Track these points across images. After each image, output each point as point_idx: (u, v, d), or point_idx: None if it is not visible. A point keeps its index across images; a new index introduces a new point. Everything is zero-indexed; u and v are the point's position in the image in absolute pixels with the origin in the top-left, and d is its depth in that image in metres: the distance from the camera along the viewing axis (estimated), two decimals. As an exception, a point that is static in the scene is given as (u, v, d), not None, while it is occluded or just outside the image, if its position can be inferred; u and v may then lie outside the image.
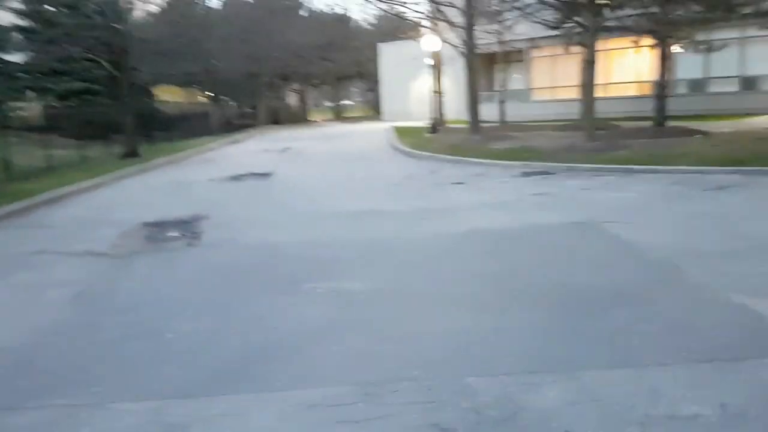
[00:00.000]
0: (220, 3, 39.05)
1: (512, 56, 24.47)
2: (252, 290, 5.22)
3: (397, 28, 36.37)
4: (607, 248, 6.07)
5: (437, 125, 20.78)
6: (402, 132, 22.63)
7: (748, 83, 22.32)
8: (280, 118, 42.98)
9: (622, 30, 16.37)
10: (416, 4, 23.56)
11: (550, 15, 18.11)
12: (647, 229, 6.72)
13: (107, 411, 3.22)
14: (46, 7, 21.29)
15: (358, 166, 14.08)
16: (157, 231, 7.87)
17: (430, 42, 19.93)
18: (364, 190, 10.43)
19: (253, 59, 33.71)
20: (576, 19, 15.25)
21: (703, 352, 3.58)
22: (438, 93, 23.75)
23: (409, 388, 3.28)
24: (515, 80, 25.92)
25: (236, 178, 12.75)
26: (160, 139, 24.91)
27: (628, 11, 15.75)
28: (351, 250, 6.50)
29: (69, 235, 7.92)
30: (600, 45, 20.99)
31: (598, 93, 20.80)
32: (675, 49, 17.62)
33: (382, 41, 39.85)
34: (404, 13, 23.82)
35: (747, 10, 14.76)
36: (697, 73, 23.12)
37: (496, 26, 20.72)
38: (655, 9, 15.34)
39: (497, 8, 19.51)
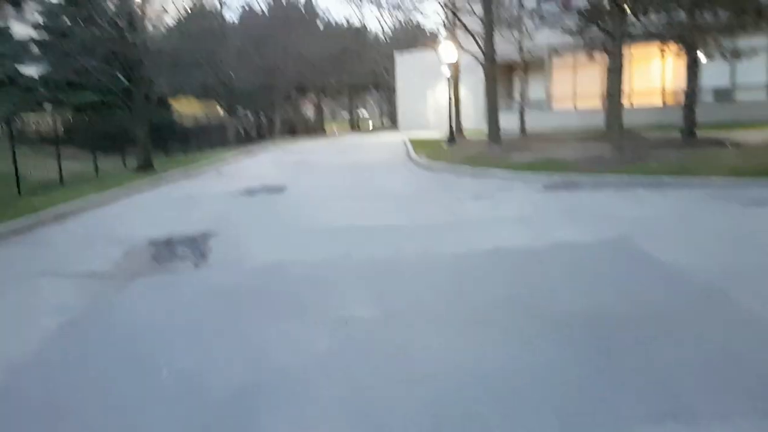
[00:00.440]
0: (236, 15, 39.08)
1: (532, 65, 23.99)
2: (256, 318, 4.81)
3: (413, 37, 36.10)
4: (642, 270, 5.57)
5: (455, 136, 20.32)
6: (418, 143, 22.23)
7: (777, 91, 21.63)
8: (296, 129, 42.87)
9: (648, 37, 15.83)
10: (433, 12, 23.17)
11: (571, 22, 17.66)
12: (685, 248, 6.21)
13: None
14: (63, 18, 21.28)
15: (374, 178, 13.68)
16: (163, 249, 7.51)
17: (447, 51, 19.55)
18: (378, 205, 10.02)
19: (268, 71, 33.65)
20: (600, 26, 14.73)
21: (770, 402, 3.09)
22: (455, 103, 23.30)
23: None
24: (535, 89, 25.40)
25: (249, 191, 12.41)
26: (177, 150, 24.83)
27: (653, 17, 15.20)
28: (364, 270, 6.08)
29: (72, 255, 7.59)
30: (620, 54, 20.48)
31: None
32: (701, 56, 17.02)
33: (399, 51, 39.62)
34: (421, 23, 23.44)
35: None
36: (723, 82, 22.47)
37: (515, 34, 20.27)
38: (681, 15, 14.79)
39: (517, 15, 19.06)
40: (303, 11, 40.60)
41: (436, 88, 36.78)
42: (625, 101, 21.23)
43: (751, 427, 2.88)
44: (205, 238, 8.02)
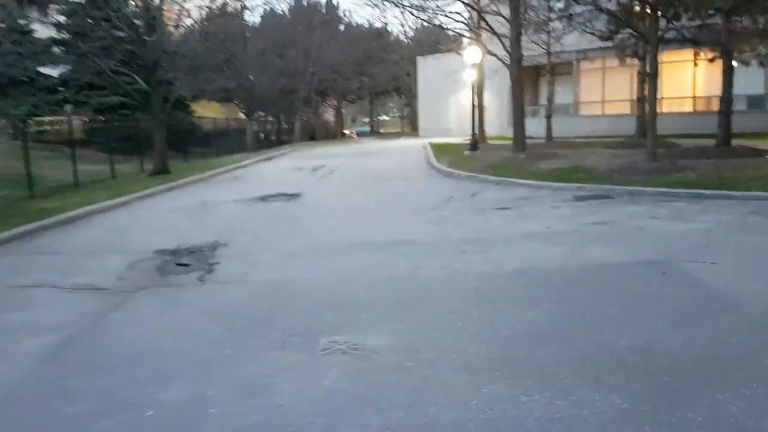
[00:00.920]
0: (258, 17, 38.91)
1: (559, 69, 23.30)
2: (260, 346, 4.32)
3: (436, 41, 35.57)
4: (693, 298, 4.96)
5: (478, 142, 19.73)
6: (440, 149, 21.66)
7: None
8: (317, 134, 42.57)
9: (682, 42, 15.10)
10: (458, 14, 22.58)
11: (602, 25, 16.99)
12: (737, 271, 5.60)
13: None
14: (86, 19, 21.16)
15: (393, 186, 13.17)
16: (169, 261, 7.08)
17: (472, 54, 18.98)
18: (397, 216, 9.50)
19: (289, 74, 33.36)
20: (633, 29, 14.06)
21: None
22: (479, 108, 22.70)
23: None
24: (562, 94, 24.68)
25: (264, 198, 11.98)
26: (196, 155, 24.62)
27: (687, 22, 14.47)
28: (379, 291, 5.57)
29: (73, 264, 7.20)
30: (652, 59, 19.73)
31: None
32: (735, 62, 16.23)
33: (421, 55, 39.11)
34: (445, 24, 22.94)
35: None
36: (756, 89, 21.56)
37: (543, 37, 19.64)
38: (717, 20, 14.05)
39: (545, 17, 18.43)
40: (325, 14, 40.30)
41: (458, 93, 36.16)
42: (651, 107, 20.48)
43: None
44: (214, 248, 7.59)
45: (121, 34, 18.83)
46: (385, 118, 63.66)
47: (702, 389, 3.35)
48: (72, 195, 12.79)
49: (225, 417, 3.29)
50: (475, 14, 19.92)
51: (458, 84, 34.18)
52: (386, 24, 67.96)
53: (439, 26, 23.55)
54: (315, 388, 3.59)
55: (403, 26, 62.96)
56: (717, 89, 21.99)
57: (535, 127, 21.31)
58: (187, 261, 7.04)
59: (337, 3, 43.32)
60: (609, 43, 19.07)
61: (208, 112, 33.58)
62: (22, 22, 25.55)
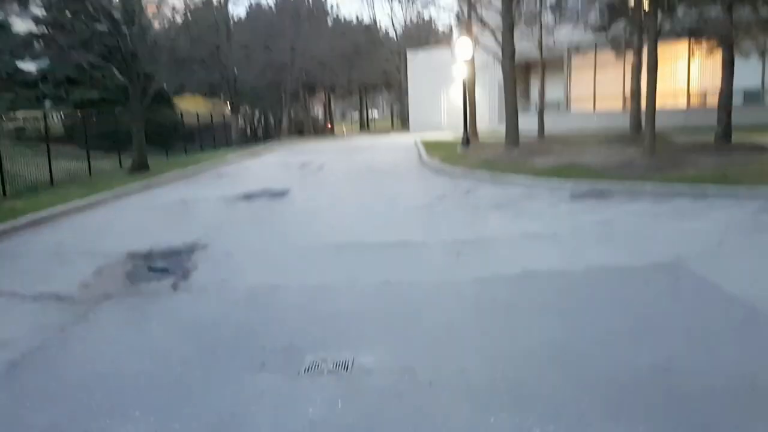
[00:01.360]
0: (243, 9, 38.11)
1: (550, 64, 22.87)
2: (236, 366, 3.84)
3: (426, 35, 35.09)
4: (711, 307, 4.55)
5: (470, 138, 19.29)
6: (431, 145, 21.20)
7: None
8: (305, 129, 41.94)
9: (680, 33, 14.72)
10: (448, 7, 22.10)
11: (595, 16, 16.59)
12: (755, 275, 5.19)
13: None
14: (64, 11, 20.42)
15: (383, 184, 12.69)
16: (142, 266, 6.57)
17: (462, 47, 18.52)
18: (388, 215, 9.03)
19: (276, 68, 32.69)
20: (629, 20, 13.65)
21: None
22: (471, 103, 22.24)
23: None
24: (552, 90, 24.28)
25: (248, 196, 11.46)
26: (179, 150, 23.95)
27: (685, 13, 14.07)
28: (369, 299, 5.11)
29: (38, 270, 6.66)
30: (647, 52, 19.37)
31: (644, 104, 19.18)
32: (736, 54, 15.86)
33: (411, 49, 38.59)
34: (434, 17, 22.40)
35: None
36: (753, 82, 21.29)
37: (534, 30, 19.21)
38: (716, 11, 13.66)
39: (537, 10, 18.00)
40: (311, 6, 39.62)
41: (449, 88, 35.73)
42: (645, 103, 20.13)
43: None
44: (192, 251, 7.08)
45: (101, 27, 18.15)
46: (376, 113, 63.08)
47: (738, 419, 2.93)
48: (46, 194, 12.19)
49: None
50: (465, 5, 19.41)
51: (448, 79, 33.74)
52: (374, 19, 67.46)
53: (429, 20, 22.96)
54: (297, 420, 3.12)
55: (392, 20, 62.51)
56: (712, 84, 21.78)
57: (526, 123, 20.85)
58: (161, 265, 6.53)
59: (325, -3, 42.66)
60: (602, 36, 18.70)
61: (192, 106, 32.85)
62: (-2, 16, 24.72)
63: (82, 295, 5.62)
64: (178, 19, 19.35)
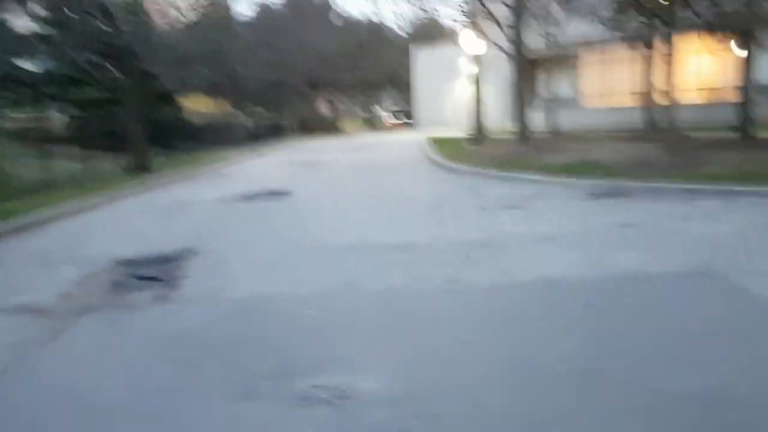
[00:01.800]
0: (248, 7, 37.61)
1: (561, 59, 22.29)
2: (221, 394, 3.37)
3: (431, 32, 34.57)
4: (756, 321, 4.04)
5: (478, 135, 18.76)
6: (438, 142, 20.69)
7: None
8: (310, 127, 41.50)
9: (701, 27, 14.11)
10: (454, 2, 21.52)
11: (608, 11, 16.03)
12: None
13: None
14: (65, 10, 20.05)
15: (389, 182, 12.21)
16: (129, 274, 6.12)
17: (470, 43, 18.01)
18: (394, 215, 8.55)
19: (281, 66, 32.24)
20: (646, 14, 13.08)
21: None
22: (478, 99, 21.70)
23: None
24: (564, 85, 23.68)
25: (248, 197, 11.01)
26: (183, 150, 23.57)
27: (703, 6, 13.45)
28: (372, 310, 4.64)
29: (19, 279, 6.24)
30: (663, 46, 18.77)
31: (661, 100, 18.59)
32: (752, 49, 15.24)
33: (416, 46, 38.06)
34: (442, 13, 21.88)
35: None
36: (768, 76, 20.60)
37: (544, 25, 18.64)
38: (737, 3, 13.03)
39: (546, 3, 17.42)
40: (317, 4, 39.12)
41: (455, 84, 35.20)
42: (665, 98, 19.53)
43: None
44: (184, 257, 6.63)
45: (100, 24, 17.77)
46: (382, 110, 62.47)
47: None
48: (40, 196, 11.77)
49: None
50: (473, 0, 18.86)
51: (455, 75, 33.24)
52: (380, 14, 66.84)
53: (434, 16, 22.44)
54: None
55: (397, 17, 61.93)
56: (729, 79, 21.14)
57: (536, 119, 20.36)
58: (149, 273, 6.08)
59: (331, -5, 42.16)
60: (614, 31, 18.12)
61: (198, 106, 32.49)
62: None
63: (61, 307, 5.18)
64: (182, 18, 18.89)
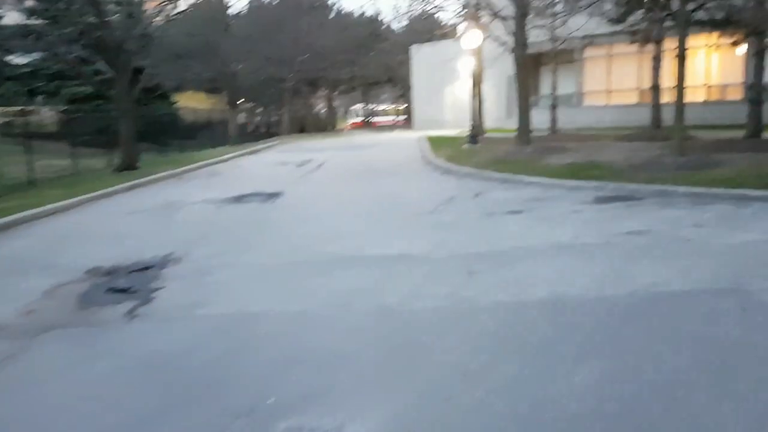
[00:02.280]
0: (243, 2, 36.90)
1: (562, 57, 21.79)
2: (183, 439, 2.89)
3: (430, 29, 34.02)
4: (800, 351, 3.56)
5: (477, 135, 18.27)
6: (436, 142, 20.19)
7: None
8: (306, 126, 40.95)
9: (708, 23, 13.63)
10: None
11: (612, 6, 15.54)
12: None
13: None
14: (54, 4, 19.48)
15: (385, 184, 11.71)
16: (102, 284, 5.63)
17: (471, 38, 17.50)
18: (390, 221, 8.07)
19: (277, 63, 31.64)
20: (651, 9, 12.60)
21: None
22: (478, 97, 21.19)
23: None
24: (564, 83, 23.17)
25: (238, 199, 10.51)
26: (176, 148, 23.06)
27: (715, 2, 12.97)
28: (366, 333, 4.16)
29: (-19, 289, 5.73)
30: (667, 43, 18.29)
31: (664, 98, 18.15)
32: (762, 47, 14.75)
33: (415, 43, 37.50)
34: (441, 6, 21.28)
35: None
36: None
37: (546, 21, 18.14)
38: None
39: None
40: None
41: (454, 83, 34.67)
42: (667, 97, 19.07)
43: None
44: (164, 265, 6.14)
45: (91, 19, 17.21)
46: (379, 109, 61.90)
47: None
48: (22, 195, 11.28)
49: None
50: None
51: (454, 74, 32.72)
52: (378, 12, 66.21)
53: (433, 12, 21.90)
54: None
55: (395, 13, 61.24)
56: (732, 77, 20.72)
57: (537, 118, 19.83)
58: (124, 284, 5.59)
59: (327, -11, 41.48)
60: (618, 27, 17.65)
61: (193, 102, 31.92)
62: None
63: (23, 323, 4.70)
64: (174, 11, 18.32)
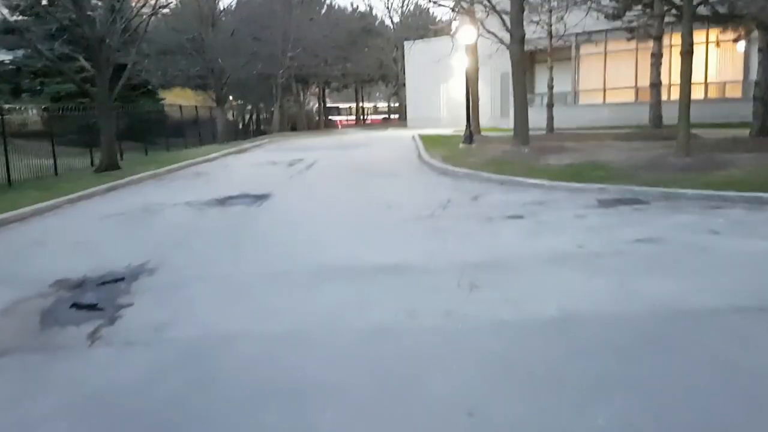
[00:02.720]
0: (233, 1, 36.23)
1: (557, 54, 21.34)
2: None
3: (425, 25, 33.52)
4: None
5: (473, 133, 17.80)
6: (431, 141, 19.70)
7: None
8: (298, 123, 40.37)
9: (709, 19, 13.23)
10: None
11: (609, 2, 15.12)
12: None
13: None
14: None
15: (378, 186, 11.23)
16: (66, 300, 5.12)
17: (466, 33, 17.02)
18: (383, 226, 7.59)
19: (266, 59, 31.02)
20: (649, 5, 12.17)
21: None
22: (473, 95, 20.71)
23: None
24: (560, 81, 22.74)
25: (222, 201, 10.00)
26: (162, 146, 22.50)
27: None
28: (354, 359, 3.69)
29: (-68, 306, 5.19)
30: (667, 39, 17.92)
31: (664, 96, 17.77)
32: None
33: (408, 40, 36.96)
34: (435, 1, 20.82)
35: None
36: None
37: (543, 16, 17.70)
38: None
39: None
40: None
41: (448, 81, 34.23)
42: (665, 94, 18.71)
43: None
44: (135, 277, 5.64)
45: (73, 15, 16.61)
46: (372, 107, 61.41)
47: None
48: (-3, 197, 10.71)
49: None
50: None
51: (448, 71, 32.26)
52: (370, 7, 65.65)
53: (427, 9, 21.39)
54: None
55: (388, 8, 60.70)
56: (732, 74, 20.36)
57: (532, 117, 19.41)
58: (91, 299, 5.09)
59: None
60: (615, 23, 17.26)
61: (180, 99, 31.27)
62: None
63: (-32, 348, 4.18)
64: (158, 5, 17.73)
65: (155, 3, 18.15)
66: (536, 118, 20.21)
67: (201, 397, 3.29)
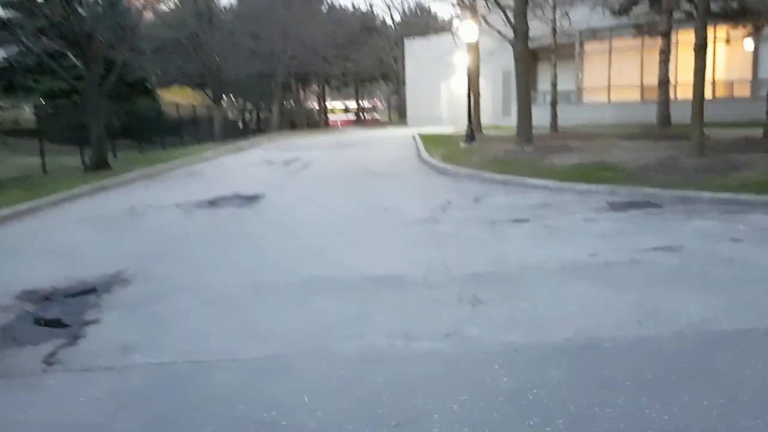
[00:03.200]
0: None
1: (561, 52, 20.84)
2: None
3: (425, 22, 33.07)
4: None
5: (474, 132, 17.32)
6: (431, 140, 19.22)
7: None
8: (297, 122, 39.88)
9: (719, 16, 12.74)
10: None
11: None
12: None
13: None
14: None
15: (376, 187, 10.77)
16: (29, 315, 4.65)
17: (467, 30, 16.55)
18: (380, 231, 7.12)
19: (265, 57, 30.54)
20: (655, 2, 11.67)
21: None
22: (474, 93, 20.21)
23: None
24: (563, 79, 22.26)
25: (213, 203, 9.54)
26: (159, 144, 22.07)
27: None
28: (343, 394, 3.20)
29: None
30: (675, 36, 17.42)
31: (672, 94, 17.28)
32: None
33: (409, 38, 36.48)
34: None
35: None
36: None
37: (546, 12, 17.21)
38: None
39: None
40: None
41: (449, 79, 33.75)
42: (671, 93, 18.22)
43: None
44: (108, 288, 5.18)
45: (62, 9, 16.12)
46: (372, 106, 60.87)
47: None
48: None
49: None
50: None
51: (449, 69, 31.78)
52: (370, 5, 65.16)
53: (427, 7, 20.90)
54: None
55: (389, 6, 60.15)
56: (739, 72, 19.88)
57: (535, 115, 18.94)
58: (55, 314, 4.63)
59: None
60: (620, 20, 16.79)
61: (178, 97, 30.79)
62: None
63: None
64: (161, 3, 17.26)
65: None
66: (539, 116, 19.71)
67: (163, 440, 2.82)
